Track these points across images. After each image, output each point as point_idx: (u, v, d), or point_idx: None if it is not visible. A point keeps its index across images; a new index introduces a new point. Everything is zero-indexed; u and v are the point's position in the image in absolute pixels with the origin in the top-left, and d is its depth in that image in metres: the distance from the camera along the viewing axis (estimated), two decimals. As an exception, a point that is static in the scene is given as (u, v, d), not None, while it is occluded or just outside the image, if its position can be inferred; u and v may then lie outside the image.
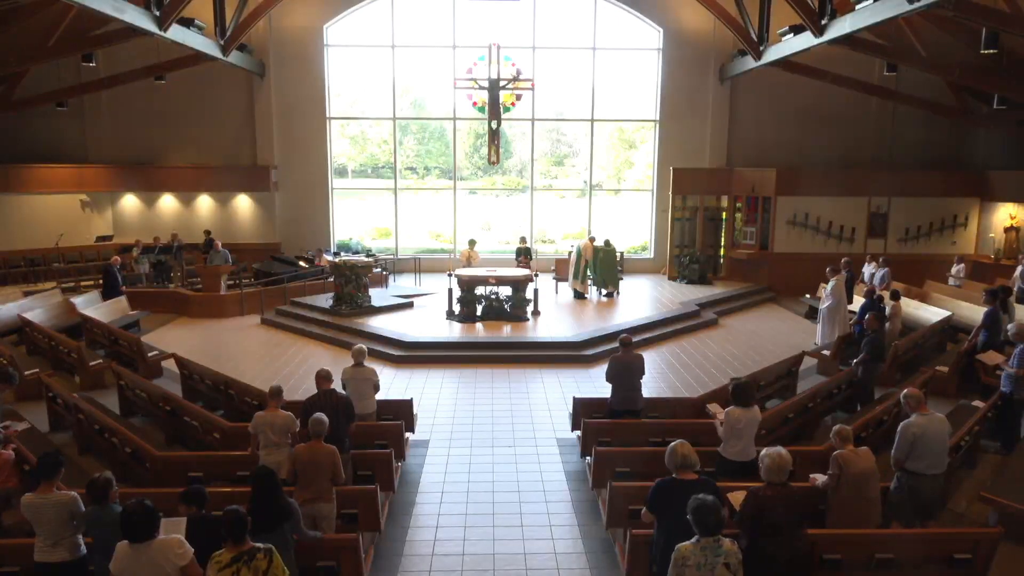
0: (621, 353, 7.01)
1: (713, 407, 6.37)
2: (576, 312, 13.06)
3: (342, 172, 18.44)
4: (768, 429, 6.83)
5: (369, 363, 7.25)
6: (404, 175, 18.28)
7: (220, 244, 14.67)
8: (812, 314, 12.64)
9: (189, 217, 17.22)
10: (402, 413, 7.38)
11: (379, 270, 15.58)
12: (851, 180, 15.59)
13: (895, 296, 10.65)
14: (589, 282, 14.38)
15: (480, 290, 12.46)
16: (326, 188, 17.35)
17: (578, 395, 8.03)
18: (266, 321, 12.92)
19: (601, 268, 14.14)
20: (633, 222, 18.36)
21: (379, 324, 11.94)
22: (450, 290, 12.51)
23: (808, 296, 13.58)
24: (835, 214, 15.55)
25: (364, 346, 7.00)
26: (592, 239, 14.32)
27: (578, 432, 7.28)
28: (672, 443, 4.40)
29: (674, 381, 9.68)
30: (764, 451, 4.37)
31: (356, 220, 18.35)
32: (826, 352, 10.08)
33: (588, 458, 6.72)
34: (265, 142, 16.95)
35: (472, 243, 14.88)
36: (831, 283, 10.82)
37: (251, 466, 5.69)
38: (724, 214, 16.53)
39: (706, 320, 12.86)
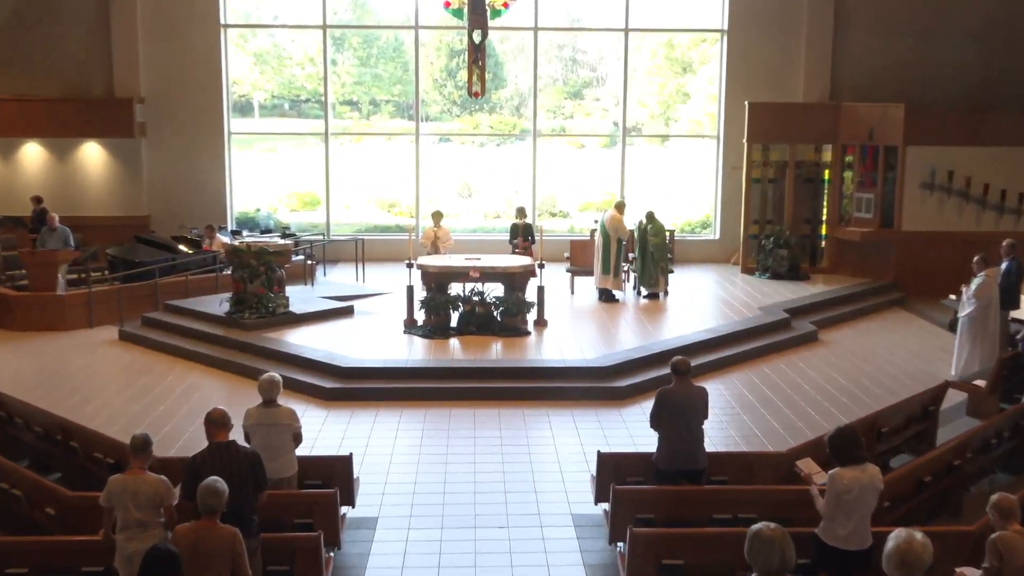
0: (674, 385, 7.01)
1: (806, 466, 6.36)
2: (602, 322, 13.01)
3: (245, 108, 18.35)
4: (893, 500, 6.83)
5: (286, 401, 7.19)
6: (340, 113, 18.21)
7: (57, 218, 14.58)
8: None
9: (9, 177, 17.11)
10: (336, 476, 7.34)
11: (301, 258, 15.48)
12: (1019, 122, 15.63)
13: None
14: (625, 276, 14.38)
15: (456, 288, 12.40)
16: (220, 133, 17.27)
17: (605, 448, 8.01)
18: (127, 336, 12.87)
19: (652, 254, 14.13)
20: (688, 185, 18.34)
21: (301, 340, 11.89)
22: (410, 288, 12.46)
23: (953, 297, 13.61)
24: (994, 173, 15.57)
25: (278, 375, 6.97)
26: (620, 205, 14.31)
27: (605, 505, 7.26)
28: (758, 527, 4.35)
29: (751, 427, 9.69)
30: (891, 536, 4.37)
31: (266, 181, 18.26)
32: (980, 383, 10.09)
33: (620, 545, 6.69)
34: (126, 63, 16.87)
35: (438, 216, 14.85)
36: (977, 280, 10.83)
37: (103, 556, 5.66)
38: (827, 173, 16.54)
39: (800, 334, 12.89)
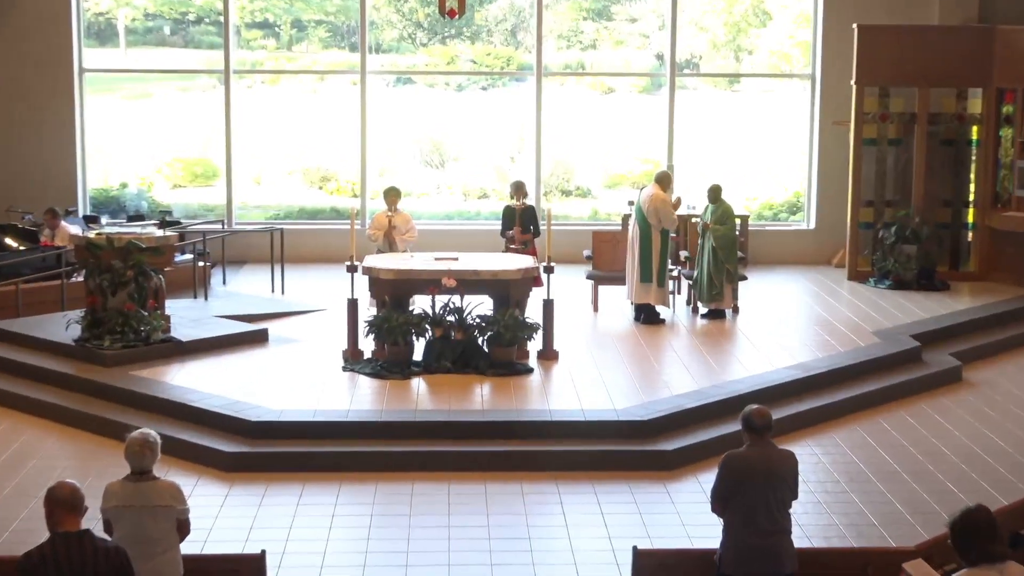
0: (747, 448, 7.06)
1: (916, 570, 6.40)
2: (640, 354, 13.10)
3: (105, 35, 18.36)
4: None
5: (166, 471, 7.23)
6: (247, 41, 18.22)
7: None
8: None
9: None
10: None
11: (189, 257, 15.50)
12: None
13: None
14: (674, 285, 14.49)
15: (423, 303, 12.51)
16: (68, 70, 17.37)
17: (645, 543, 8.03)
18: (-71, 375, 12.92)
19: (715, 252, 14.18)
20: (770, 149, 18.46)
21: (190, 381, 11.96)
22: (353, 303, 12.60)
23: None
24: None
25: (154, 433, 6.89)
26: (665, 177, 14.34)
27: (645, 627, 7.33)
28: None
29: (863, 511, 9.68)
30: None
31: (137, 143, 18.29)
32: None
33: None
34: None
35: (393, 195, 14.83)
36: None
37: None
38: (975, 131, 16.65)
39: (936, 371, 12.98)
